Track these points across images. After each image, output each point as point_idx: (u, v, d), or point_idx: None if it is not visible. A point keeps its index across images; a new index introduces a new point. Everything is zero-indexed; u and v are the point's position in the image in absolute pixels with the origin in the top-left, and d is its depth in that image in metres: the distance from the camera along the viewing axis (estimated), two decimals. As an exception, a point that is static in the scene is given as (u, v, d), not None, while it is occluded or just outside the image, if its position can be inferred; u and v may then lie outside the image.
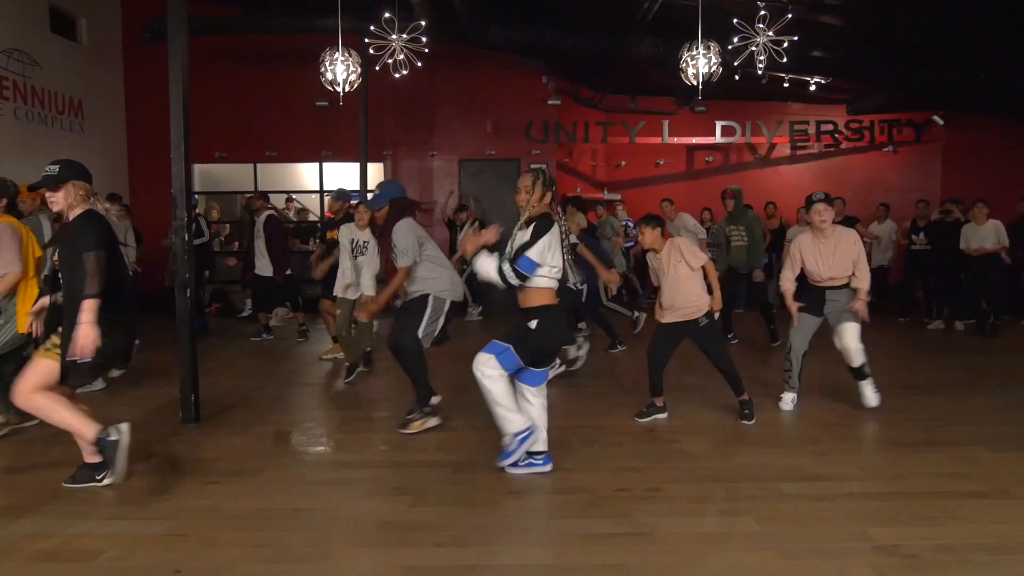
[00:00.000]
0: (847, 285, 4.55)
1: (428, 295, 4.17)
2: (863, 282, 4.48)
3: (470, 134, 11.06)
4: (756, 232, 7.02)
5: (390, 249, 4.18)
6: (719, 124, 11.29)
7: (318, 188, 11.52)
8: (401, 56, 7.62)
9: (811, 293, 4.65)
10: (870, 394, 4.65)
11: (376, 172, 11.03)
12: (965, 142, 11.18)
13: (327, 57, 7.37)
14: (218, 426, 4.36)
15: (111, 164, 10.70)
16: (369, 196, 4.10)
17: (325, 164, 11.35)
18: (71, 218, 3.23)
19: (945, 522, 2.93)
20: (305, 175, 11.86)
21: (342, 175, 11.77)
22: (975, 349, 7.09)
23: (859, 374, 4.66)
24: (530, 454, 3.49)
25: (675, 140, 11.49)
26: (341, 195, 6.71)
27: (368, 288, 5.20)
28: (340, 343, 5.76)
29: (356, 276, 5.51)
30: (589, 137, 11.24)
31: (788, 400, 4.73)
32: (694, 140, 11.64)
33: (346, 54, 7.32)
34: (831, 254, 4.51)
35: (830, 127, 11.31)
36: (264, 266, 7.34)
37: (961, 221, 8.16)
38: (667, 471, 3.55)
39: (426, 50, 7.55)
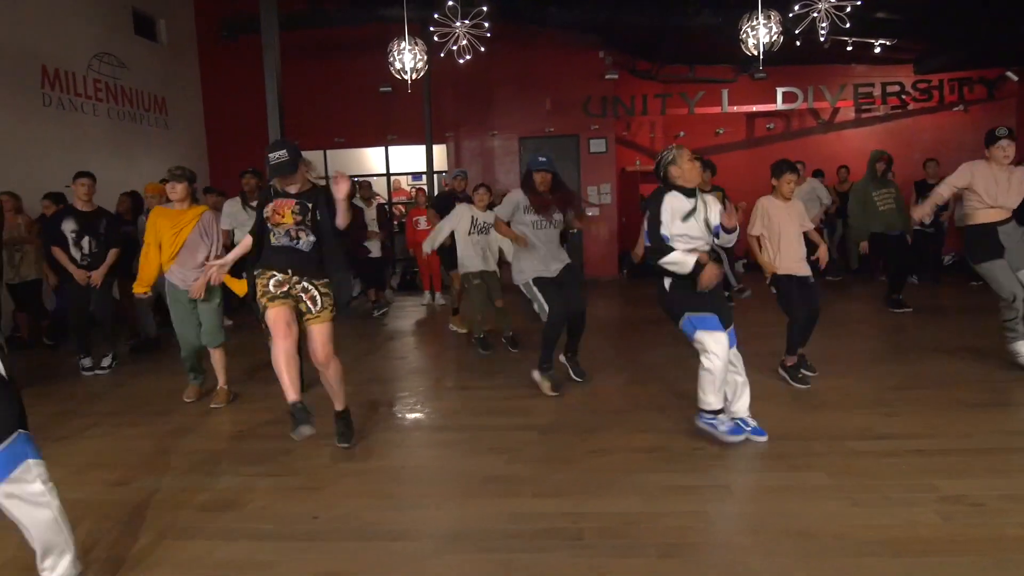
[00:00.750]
0: (1010, 219, 4.67)
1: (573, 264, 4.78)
2: None
3: (529, 112, 11.28)
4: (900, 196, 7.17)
5: (567, 210, 4.65)
6: (780, 91, 11.17)
7: (385, 171, 11.98)
8: (464, 42, 7.88)
9: (985, 237, 4.67)
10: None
11: (440, 153, 11.40)
12: (1042, 97, 10.78)
13: (395, 47, 7.69)
14: (322, 397, 4.80)
15: (193, 156, 11.38)
16: (542, 160, 4.66)
17: (390, 148, 11.78)
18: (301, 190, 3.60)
19: (1013, 475, 3.10)
20: (371, 159, 12.33)
21: (407, 158, 12.21)
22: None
23: None
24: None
25: (735, 109, 11.44)
26: (462, 174, 7.23)
27: (508, 256, 5.57)
28: (472, 316, 6.08)
29: (476, 252, 5.89)
30: (647, 110, 11.30)
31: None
32: (754, 108, 11.55)
33: (413, 43, 7.62)
34: (1006, 181, 4.61)
35: (896, 88, 11.05)
36: (375, 248, 8.05)
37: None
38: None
39: (488, 35, 7.78)
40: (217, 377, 4.74)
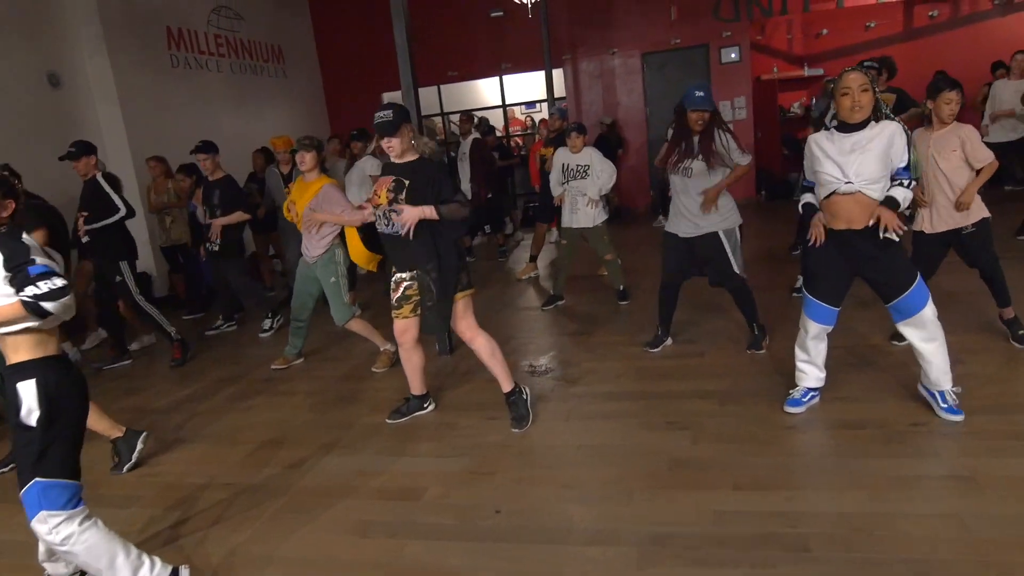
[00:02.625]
0: None
1: (716, 232, 4.03)
2: None
3: (652, 23, 10.35)
4: None
5: (713, 154, 3.94)
6: (950, -30, 9.57)
7: (500, 103, 11.52)
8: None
9: None
10: None
11: (557, 78, 10.76)
12: None
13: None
14: (470, 357, 4.63)
15: (313, 104, 11.41)
16: (699, 95, 3.87)
17: (505, 77, 11.27)
18: (405, 160, 3.33)
19: None
20: (485, 91, 11.88)
21: (522, 86, 11.66)
22: None
23: None
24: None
25: (893, -3, 9.93)
26: (562, 113, 6.71)
27: (593, 192, 5.35)
28: (554, 272, 5.82)
29: (572, 197, 5.49)
30: (787, 8, 10.05)
31: None
32: (918, -7, 9.99)
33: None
34: None
35: (1102, -49, 9.16)
36: (467, 189, 7.60)
37: None
38: (965, 400, 3.22)
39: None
40: (373, 341, 4.68)
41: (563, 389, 4.00)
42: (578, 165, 5.44)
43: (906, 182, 2.94)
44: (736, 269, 4.06)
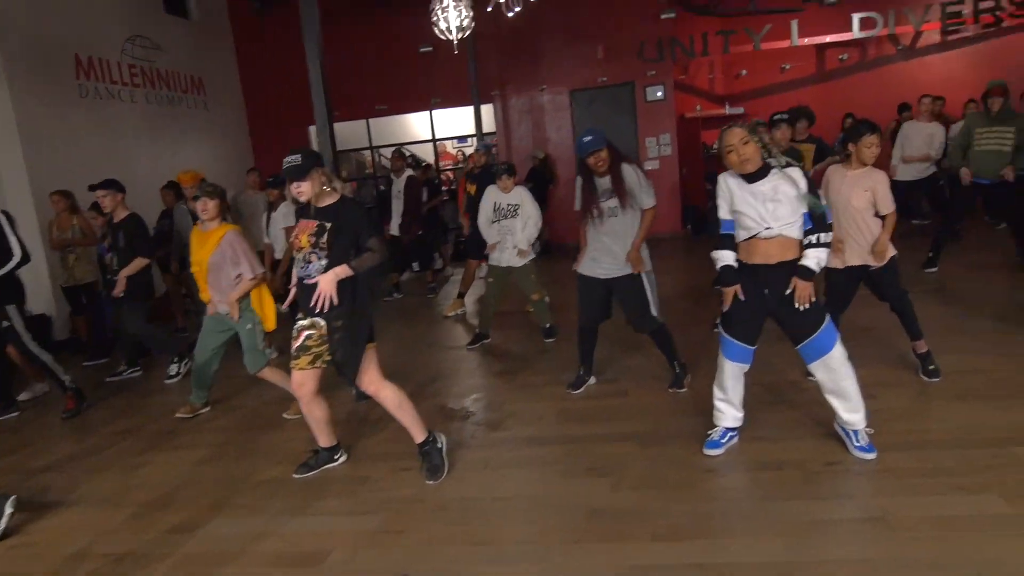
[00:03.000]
0: None
1: (642, 272, 3.99)
2: None
3: (580, 62, 10.54)
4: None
5: (625, 195, 3.89)
6: (856, 17, 10.10)
7: (430, 137, 11.46)
8: (512, -7, 7.23)
9: None
10: None
11: (486, 113, 10.80)
12: None
13: (437, 5, 7.08)
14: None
15: (237, 137, 11.08)
16: (587, 139, 3.82)
17: (435, 111, 11.23)
18: (322, 204, 3.19)
19: None
20: (415, 125, 11.80)
21: (453, 121, 11.65)
22: None
23: None
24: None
25: (806, 41, 10.41)
26: (486, 148, 6.65)
27: (523, 243, 5.30)
28: (480, 310, 5.69)
29: (500, 238, 5.41)
30: (708, 49, 10.40)
31: None
32: (827, 38, 10.50)
33: (458, 2, 7.00)
34: None
35: (990, 3, 9.86)
36: (394, 227, 7.47)
37: None
38: (875, 436, 3.25)
39: (537, -18, 7.11)
40: (286, 388, 4.42)
41: (483, 434, 3.84)
42: (509, 204, 5.38)
43: (821, 237, 2.97)
44: (654, 311, 4.03)
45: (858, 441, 3.11)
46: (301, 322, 3.26)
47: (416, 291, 8.21)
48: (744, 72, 11.44)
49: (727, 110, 11.35)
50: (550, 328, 5.56)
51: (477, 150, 6.73)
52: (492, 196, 5.50)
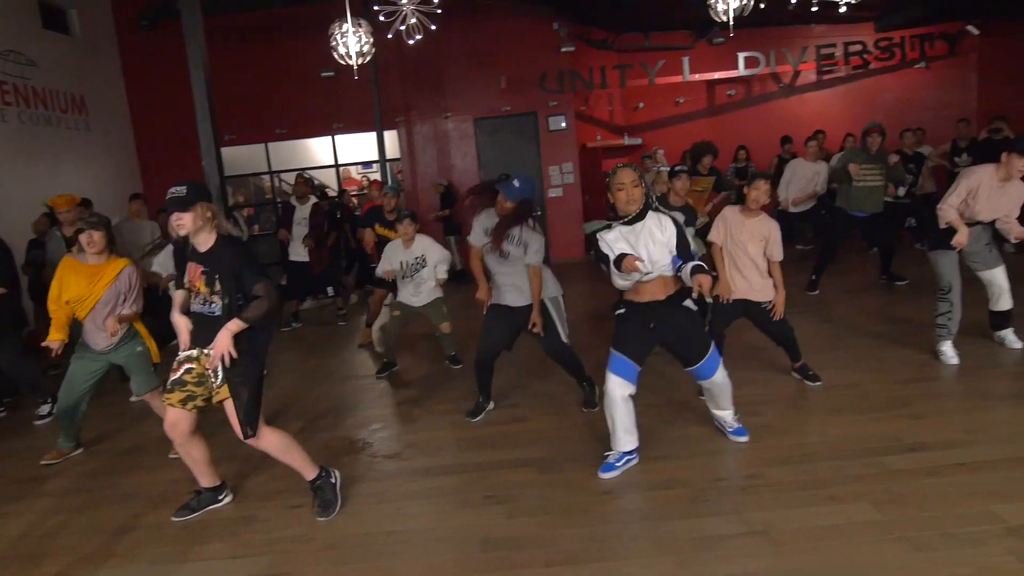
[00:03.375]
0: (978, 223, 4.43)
1: (550, 299, 4.07)
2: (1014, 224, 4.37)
3: (483, 91, 10.68)
4: (893, 172, 6.48)
5: (507, 242, 3.91)
6: (741, 56, 10.81)
7: (333, 162, 11.26)
8: (413, 20, 7.24)
9: (951, 234, 4.37)
10: (1012, 338, 4.68)
11: (391, 139, 10.73)
12: (1002, 52, 10.62)
13: (336, 30, 7.00)
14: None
15: (123, 161, 10.48)
16: (516, 184, 3.86)
17: (338, 136, 11.05)
18: (203, 248, 3.05)
19: (1076, 492, 2.79)
20: (318, 150, 11.57)
21: (356, 146, 11.49)
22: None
23: (1002, 319, 4.65)
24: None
25: (697, 77, 11.02)
26: (394, 190, 6.42)
27: (441, 274, 5.22)
28: (382, 341, 5.56)
29: (414, 289, 5.29)
30: (607, 82, 10.81)
31: (951, 352, 4.49)
32: (716, 75, 11.15)
33: (357, 25, 6.95)
34: (999, 198, 4.33)
35: (858, 47, 10.79)
36: (302, 253, 7.23)
37: (1011, 139, 7.77)
38: (760, 451, 3.42)
39: (438, 11, 7.16)
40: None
41: (380, 466, 3.74)
42: (415, 259, 5.24)
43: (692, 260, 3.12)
44: (563, 337, 4.09)
45: (731, 427, 3.60)
46: (186, 353, 3.09)
47: (323, 319, 7.96)
48: (641, 104, 11.94)
49: (626, 140, 11.78)
50: (455, 356, 5.52)
51: (386, 192, 6.49)
52: (397, 255, 5.28)
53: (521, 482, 3.35)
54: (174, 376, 3.07)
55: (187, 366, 3.07)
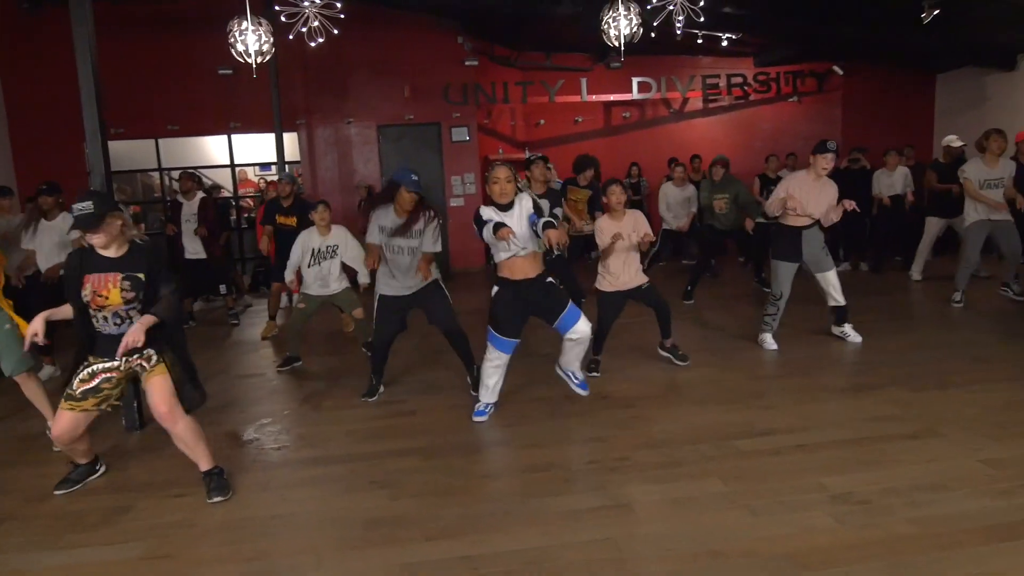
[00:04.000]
0: (815, 224, 5.17)
1: (437, 280, 4.47)
2: (837, 214, 5.07)
3: (387, 99, 10.74)
4: (742, 196, 7.14)
5: (409, 235, 4.24)
6: (635, 80, 11.44)
7: (228, 162, 10.97)
8: (315, 23, 7.26)
9: (791, 239, 5.16)
10: (851, 333, 5.38)
11: (291, 142, 10.59)
12: (863, 91, 11.81)
13: (235, 27, 6.91)
14: (164, 432, 4.17)
15: (-8, 148, 9.79)
16: (415, 177, 4.18)
17: (234, 136, 10.79)
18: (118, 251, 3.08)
19: (887, 465, 3.22)
20: (212, 149, 11.24)
21: (253, 147, 11.25)
22: (881, 289, 7.65)
23: (842, 315, 5.37)
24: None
25: (594, 98, 11.57)
26: (290, 177, 6.45)
27: (363, 278, 5.27)
28: (287, 334, 5.57)
29: (321, 278, 5.36)
30: (509, 97, 11.15)
31: (771, 341, 5.32)
32: (612, 97, 11.75)
33: (257, 23, 6.89)
34: (818, 192, 5.07)
35: (740, 80, 11.67)
36: (196, 249, 7.06)
37: (868, 169, 8.72)
38: (630, 438, 3.71)
39: (341, 16, 7.22)
40: (43, 412, 4.03)
41: (266, 457, 3.76)
42: (327, 247, 5.32)
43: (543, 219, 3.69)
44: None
45: (576, 379, 4.16)
46: (100, 366, 3.08)
47: (215, 319, 7.74)
48: (542, 122, 12.36)
49: (527, 155, 12.15)
50: (371, 343, 5.60)
51: (281, 179, 6.52)
52: (309, 241, 5.34)
53: (405, 468, 3.48)
54: (88, 386, 3.05)
55: (106, 375, 3.08)
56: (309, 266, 5.34)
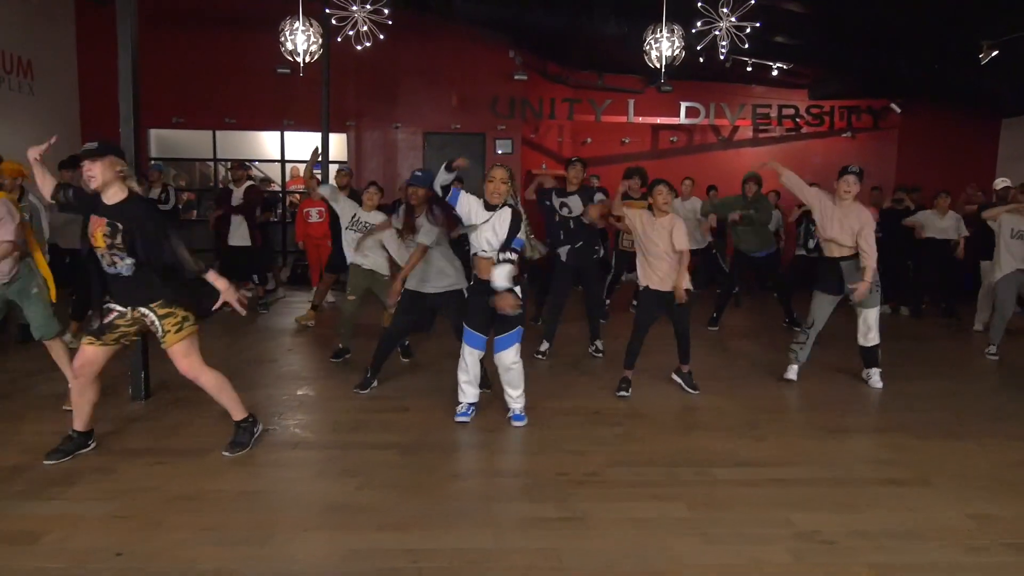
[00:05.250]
0: (855, 257, 4.85)
1: (461, 289, 4.51)
2: (869, 259, 4.74)
3: (435, 107, 10.97)
4: (759, 215, 6.95)
5: (413, 227, 4.42)
6: (684, 105, 11.37)
7: (280, 157, 11.35)
8: (364, 28, 7.50)
9: (831, 272, 4.96)
10: (875, 378, 5.10)
11: (339, 143, 10.91)
12: (920, 130, 11.43)
13: (287, 27, 7.21)
14: (167, 404, 4.36)
15: (62, 129, 10.31)
16: (420, 174, 4.44)
17: (287, 133, 11.17)
18: (111, 201, 3.25)
19: (863, 509, 3.11)
20: (266, 144, 11.65)
21: (305, 145, 11.60)
22: (917, 334, 7.36)
23: (871, 358, 5.09)
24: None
25: (640, 119, 11.54)
26: (349, 170, 6.80)
27: (383, 263, 5.50)
28: (341, 327, 5.70)
29: (353, 242, 5.55)
30: (555, 114, 11.24)
31: (793, 372, 5.16)
32: (659, 120, 11.70)
33: (307, 24, 7.17)
34: (840, 216, 4.81)
35: (791, 111, 11.47)
36: (241, 236, 7.32)
37: (912, 209, 8.41)
38: (608, 455, 3.68)
39: (389, 22, 7.44)
40: (65, 372, 4.25)
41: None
42: (365, 221, 5.52)
43: (505, 256, 3.77)
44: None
45: (510, 409, 4.14)
46: (111, 305, 3.34)
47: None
48: (589, 140, 12.38)
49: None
50: (407, 346, 5.69)
51: (340, 170, 6.91)
52: (351, 208, 5.62)
53: (380, 461, 3.54)
54: (102, 321, 3.30)
55: (118, 313, 3.33)
56: (346, 228, 5.60)
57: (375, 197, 5.61)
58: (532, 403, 4.46)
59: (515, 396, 4.11)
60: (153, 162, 7.96)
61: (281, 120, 10.92)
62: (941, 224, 8.06)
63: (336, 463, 3.50)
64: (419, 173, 4.41)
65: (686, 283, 4.57)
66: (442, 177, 3.87)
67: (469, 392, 4.13)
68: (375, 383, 4.75)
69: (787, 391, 5.00)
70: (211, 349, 6.08)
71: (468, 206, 3.89)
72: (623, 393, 4.70)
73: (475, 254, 3.98)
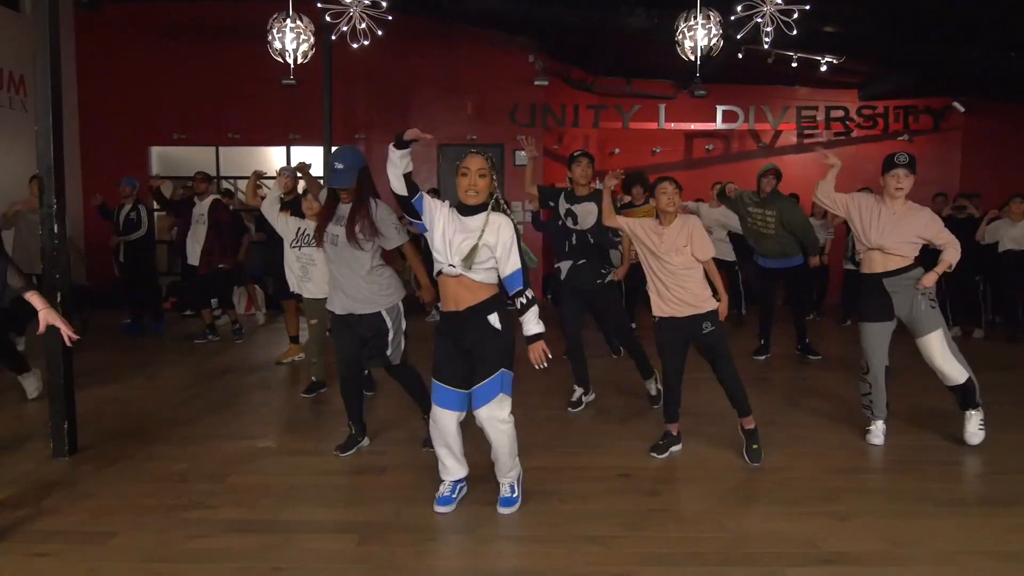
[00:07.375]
0: (907, 270, 3.75)
1: (379, 312, 3.51)
2: (952, 252, 3.70)
3: (450, 117, 10.20)
4: (788, 218, 5.77)
5: (363, 234, 3.39)
6: (720, 109, 10.41)
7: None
8: (362, 25, 6.75)
9: (869, 291, 3.84)
10: (972, 429, 3.84)
11: (347, 157, 10.19)
12: (987, 131, 10.27)
13: (275, 24, 6.49)
14: (92, 461, 3.54)
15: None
16: (340, 166, 3.39)
17: (294, 148, 10.50)
18: None
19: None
20: (272, 159, 11.00)
21: (312, 160, 10.92)
22: (1003, 362, 6.22)
23: (962, 399, 3.87)
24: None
25: (672, 126, 10.61)
26: (292, 172, 5.85)
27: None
28: (309, 354, 4.94)
29: (300, 270, 4.79)
30: (579, 122, 10.38)
31: (878, 432, 3.91)
32: (692, 126, 10.75)
33: (296, 21, 6.43)
34: (891, 219, 3.71)
35: (840, 113, 10.42)
36: (192, 254, 6.61)
37: (976, 217, 7.36)
38: (643, 542, 2.73)
39: (388, 17, 6.68)
40: None
41: (172, 512, 3.00)
42: (308, 233, 4.71)
43: (528, 296, 2.79)
44: (389, 351, 3.50)
45: (502, 496, 3.01)
46: None
47: (198, 335, 7.08)
48: (618, 151, 11.49)
49: (597, 184, 11.28)
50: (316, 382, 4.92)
51: (281, 172, 5.95)
52: (297, 222, 4.79)
53: (329, 553, 2.63)
54: None
55: None
56: (291, 246, 4.90)
57: (315, 205, 4.73)
58: (540, 462, 3.52)
59: (505, 469, 2.94)
60: (125, 178, 7.23)
61: (287, 134, 10.26)
62: (1017, 232, 6.98)
63: (267, 558, 2.60)
64: (339, 165, 3.34)
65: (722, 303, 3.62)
66: (395, 160, 2.82)
67: (452, 467, 2.98)
68: (364, 440, 3.78)
69: (860, 444, 3.95)
70: (170, 385, 5.35)
71: (434, 210, 2.88)
72: (657, 455, 3.65)
73: (439, 272, 2.86)
